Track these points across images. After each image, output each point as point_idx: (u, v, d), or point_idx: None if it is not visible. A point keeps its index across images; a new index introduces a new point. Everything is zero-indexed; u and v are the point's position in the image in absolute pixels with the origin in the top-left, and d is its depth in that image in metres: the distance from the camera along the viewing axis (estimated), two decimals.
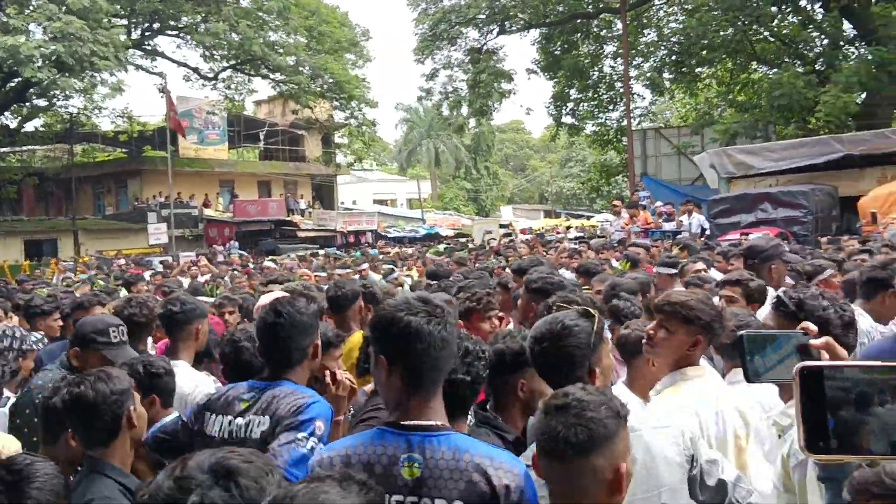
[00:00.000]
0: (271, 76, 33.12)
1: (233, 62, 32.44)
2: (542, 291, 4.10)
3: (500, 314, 4.23)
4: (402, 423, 1.99)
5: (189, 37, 31.00)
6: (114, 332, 3.39)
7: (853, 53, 22.65)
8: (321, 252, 23.18)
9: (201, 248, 29.06)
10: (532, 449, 1.95)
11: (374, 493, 1.46)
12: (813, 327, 1.54)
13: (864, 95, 20.91)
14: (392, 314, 1.99)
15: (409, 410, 2.01)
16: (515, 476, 1.90)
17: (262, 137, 38.66)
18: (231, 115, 36.56)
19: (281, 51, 31.41)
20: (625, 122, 25.77)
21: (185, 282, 13.18)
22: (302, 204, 39.28)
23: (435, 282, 6.72)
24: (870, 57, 19.42)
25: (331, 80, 32.38)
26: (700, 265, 6.25)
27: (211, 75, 33.14)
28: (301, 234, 34.11)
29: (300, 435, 2.34)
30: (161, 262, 20.79)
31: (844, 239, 10.34)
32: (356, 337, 4.34)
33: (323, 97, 33.63)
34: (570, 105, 30.23)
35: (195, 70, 32.87)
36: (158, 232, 28.30)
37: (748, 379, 1.53)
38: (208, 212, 34.57)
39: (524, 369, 2.58)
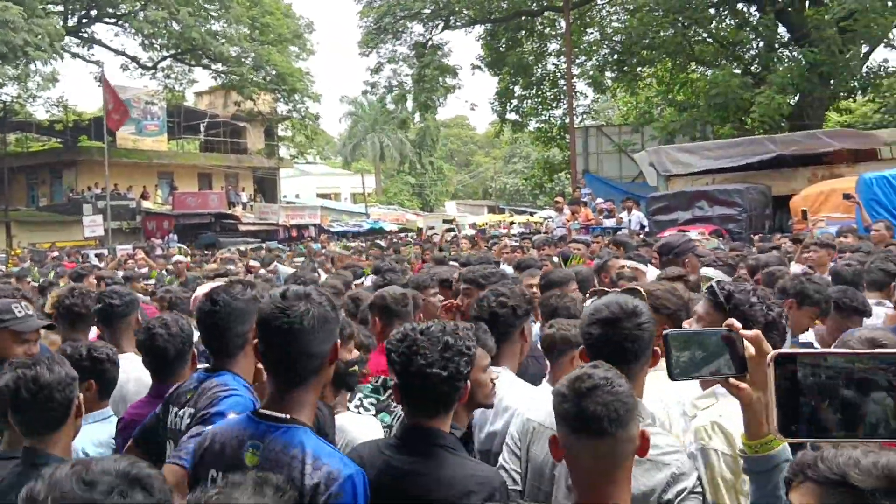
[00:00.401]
0: (213, 66, 32.51)
1: (173, 51, 31.71)
2: (477, 284, 4.17)
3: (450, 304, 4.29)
4: (259, 411, 2.11)
5: (128, 25, 30.20)
6: (16, 307, 3.33)
7: (787, 56, 23.34)
8: (263, 246, 22.92)
9: (139, 241, 28.38)
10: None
11: (288, 496, 1.55)
12: (737, 324, 1.57)
13: (797, 97, 21.58)
14: (260, 310, 2.10)
15: (270, 401, 2.12)
16: (332, 479, 1.93)
17: (202, 129, 37.88)
18: (171, 105, 35.69)
19: (223, 41, 30.81)
20: (568, 120, 26.06)
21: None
22: (243, 197, 38.68)
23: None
24: (802, 59, 20.05)
25: (274, 72, 31.94)
26: (623, 262, 6.32)
27: (150, 64, 32.34)
28: (242, 228, 33.61)
29: (206, 428, 2.30)
30: (97, 256, 20.28)
31: (777, 237, 10.67)
32: None
33: (265, 89, 33.14)
34: (515, 102, 30.40)
35: (133, 59, 32.09)
36: (94, 224, 27.49)
37: (672, 377, 1.56)
38: (146, 204, 33.75)
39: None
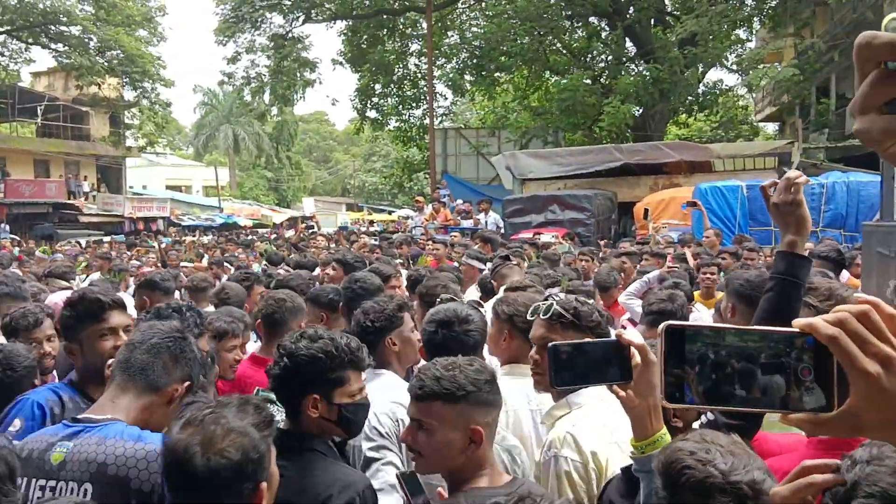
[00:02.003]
0: (52, 46, 30.25)
1: (8, 27, 29.25)
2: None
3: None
4: (78, 416, 2.19)
5: None
6: None
7: (633, 70, 24.73)
8: (106, 239, 21.64)
9: None
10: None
11: (265, 413, 1.82)
12: (627, 335, 1.66)
13: (640, 109, 22.92)
14: None
15: (97, 406, 2.23)
16: (147, 463, 2.04)
17: (40, 112, 35.16)
18: (4, 85, 32.92)
19: (64, 19, 28.76)
20: (427, 121, 26.34)
21: None
22: (85, 186, 36.24)
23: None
24: (647, 74, 21.32)
25: (121, 55, 30.15)
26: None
27: None
28: (84, 220, 31.62)
29: None
30: None
31: (623, 244, 11.23)
32: None
33: (111, 72, 31.21)
34: (375, 99, 30.40)
35: None
36: None
37: (555, 385, 1.63)
38: None
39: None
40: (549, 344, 1.61)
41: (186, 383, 2.28)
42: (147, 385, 2.20)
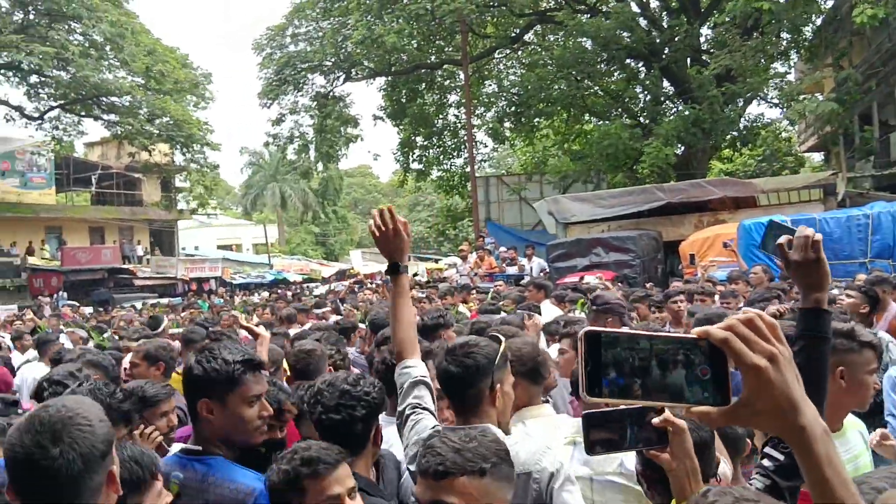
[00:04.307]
0: (104, 117, 31.47)
1: (61, 101, 30.58)
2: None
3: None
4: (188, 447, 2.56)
5: (11, 73, 29.01)
6: None
7: (672, 109, 24.73)
8: (163, 301, 22.20)
9: (24, 300, 26.92)
10: None
11: None
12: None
13: (682, 148, 22.84)
14: None
15: None
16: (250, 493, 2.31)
17: (94, 181, 36.54)
18: (59, 157, 34.32)
19: (116, 91, 29.94)
20: (469, 169, 26.63)
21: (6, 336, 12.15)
22: (139, 251, 37.35)
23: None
24: (686, 113, 21.30)
25: (170, 122, 31.19)
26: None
27: (36, 115, 31.05)
28: (138, 283, 32.41)
29: None
30: None
31: (675, 283, 11.08)
32: None
33: (160, 139, 32.29)
34: (417, 151, 30.88)
35: (18, 109, 30.67)
36: None
37: (590, 453, 1.65)
38: (32, 260, 32.06)
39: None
40: (583, 413, 1.64)
41: None
42: None
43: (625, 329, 1.45)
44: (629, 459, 2.69)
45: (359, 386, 2.55)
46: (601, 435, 1.60)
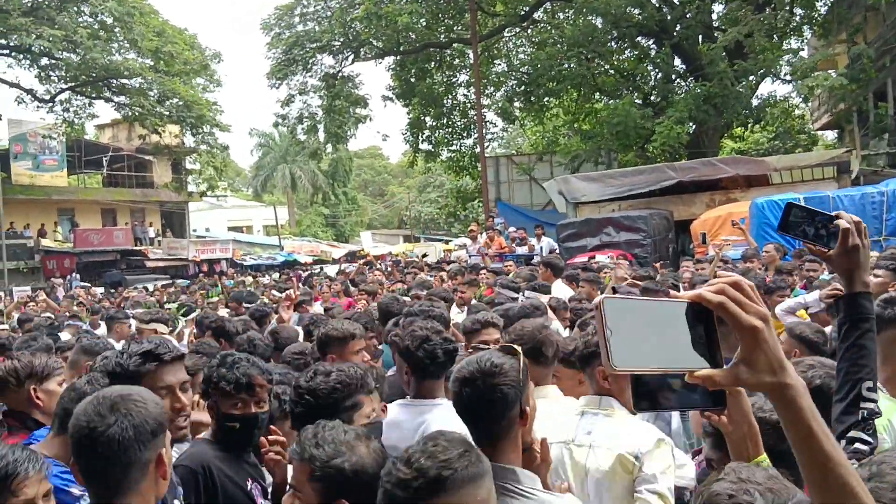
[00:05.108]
0: (115, 99, 31.49)
1: (72, 84, 30.61)
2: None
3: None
4: None
5: (22, 56, 29.04)
6: None
7: (683, 87, 24.49)
8: (179, 282, 22.31)
9: (38, 281, 27.12)
10: None
11: None
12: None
13: (693, 126, 22.64)
14: None
15: None
16: None
17: (105, 163, 36.63)
18: (70, 139, 34.41)
19: (125, 72, 29.93)
20: (478, 149, 26.52)
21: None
22: (151, 232, 37.50)
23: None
24: (698, 91, 21.08)
25: (179, 104, 31.18)
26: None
27: (47, 97, 31.11)
28: (150, 265, 32.57)
29: None
30: None
31: (685, 262, 11.00)
32: None
33: (171, 121, 32.30)
34: (426, 132, 30.73)
35: (29, 92, 30.73)
36: None
37: (638, 409, 1.63)
38: (45, 242, 32.27)
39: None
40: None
41: None
42: None
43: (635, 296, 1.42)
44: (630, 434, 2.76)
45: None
46: (647, 392, 1.56)
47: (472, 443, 1.78)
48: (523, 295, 6.64)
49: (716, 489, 1.51)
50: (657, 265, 11.76)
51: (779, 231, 1.90)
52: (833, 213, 1.90)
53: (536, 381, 2.97)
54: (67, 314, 11.42)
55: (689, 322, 1.05)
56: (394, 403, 3.17)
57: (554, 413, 2.97)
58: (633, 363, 1.04)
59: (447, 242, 37.84)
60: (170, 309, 10.42)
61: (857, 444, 1.96)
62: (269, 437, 2.62)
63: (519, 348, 2.34)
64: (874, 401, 1.96)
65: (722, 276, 1.07)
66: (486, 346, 3.50)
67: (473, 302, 7.31)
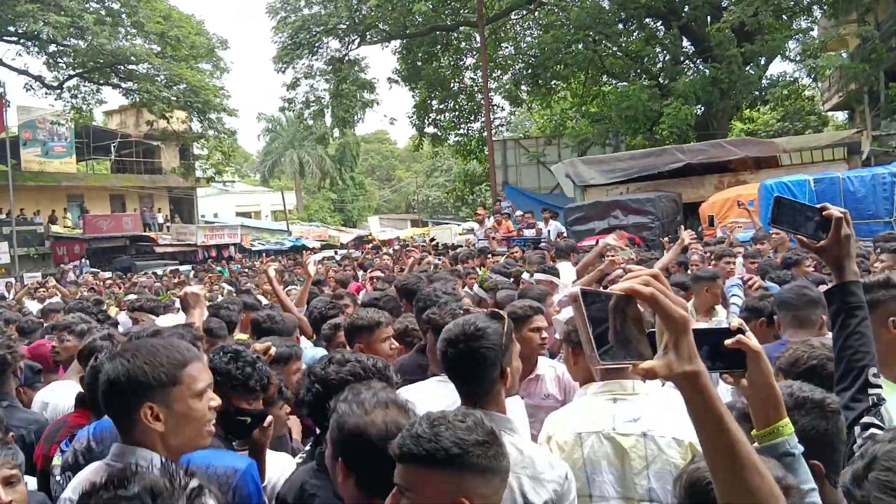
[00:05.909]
0: (122, 85, 31.51)
1: (79, 70, 30.62)
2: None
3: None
4: None
5: (30, 43, 29.06)
6: None
7: (691, 68, 24.31)
8: (182, 269, 22.39)
9: (48, 267, 27.28)
10: None
11: None
12: (735, 323, 1.70)
13: (702, 108, 22.50)
14: None
15: None
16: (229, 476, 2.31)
17: (113, 149, 36.69)
18: (79, 125, 34.47)
19: (132, 58, 29.92)
20: (486, 133, 26.43)
21: (33, 305, 12.24)
22: (159, 218, 37.63)
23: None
24: (707, 73, 20.93)
25: (186, 88, 31.15)
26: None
27: (55, 84, 31.14)
28: (159, 250, 32.71)
29: None
30: (6, 284, 19.43)
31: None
32: None
33: (178, 106, 32.29)
34: (433, 115, 30.62)
35: (38, 78, 30.77)
36: None
37: None
38: (55, 228, 32.41)
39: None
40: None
41: None
42: None
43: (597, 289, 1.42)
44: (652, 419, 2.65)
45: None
46: None
47: (501, 440, 1.79)
48: (532, 277, 6.63)
49: (698, 465, 1.61)
50: (665, 240, 11.73)
51: (770, 224, 1.92)
52: (818, 206, 1.94)
53: None
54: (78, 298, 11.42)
55: (624, 314, 1.10)
56: (432, 380, 3.18)
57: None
58: (611, 357, 1.08)
59: (458, 226, 37.82)
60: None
61: (871, 430, 1.96)
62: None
63: (504, 313, 2.51)
64: (880, 386, 1.98)
65: (635, 270, 1.14)
66: (539, 332, 3.74)
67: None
